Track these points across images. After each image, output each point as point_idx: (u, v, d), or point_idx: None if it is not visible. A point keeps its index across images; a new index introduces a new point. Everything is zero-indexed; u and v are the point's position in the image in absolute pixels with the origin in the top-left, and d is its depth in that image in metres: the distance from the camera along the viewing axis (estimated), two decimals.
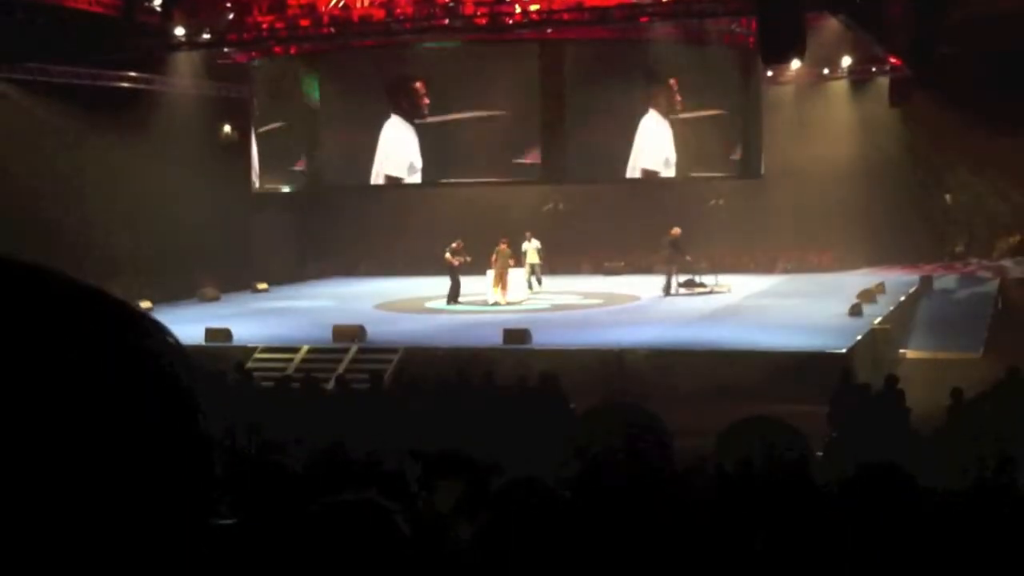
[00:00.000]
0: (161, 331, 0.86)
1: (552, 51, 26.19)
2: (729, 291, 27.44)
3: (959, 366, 20.40)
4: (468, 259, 25.74)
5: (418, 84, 26.20)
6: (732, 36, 27.01)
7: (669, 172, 27.16)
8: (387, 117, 26.71)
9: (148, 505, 0.79)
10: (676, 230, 27.17)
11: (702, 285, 27.57)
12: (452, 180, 27.63)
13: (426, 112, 26.36)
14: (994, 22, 27.59)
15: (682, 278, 27.42)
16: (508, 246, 26.32)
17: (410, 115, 26.52)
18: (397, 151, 26.75)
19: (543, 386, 15.13)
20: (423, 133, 26.64)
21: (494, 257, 26.06)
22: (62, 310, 0.81)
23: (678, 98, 26.27)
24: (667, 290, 27.20)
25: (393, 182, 27.20)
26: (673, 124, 26.68)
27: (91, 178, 26.22)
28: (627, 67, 26.30)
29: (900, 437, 12.39)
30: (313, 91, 27.29)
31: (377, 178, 27.22)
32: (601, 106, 26.00)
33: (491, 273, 26.22)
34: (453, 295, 26.00)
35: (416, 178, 27.00)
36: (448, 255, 25.84)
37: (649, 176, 27.17)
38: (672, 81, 26.22)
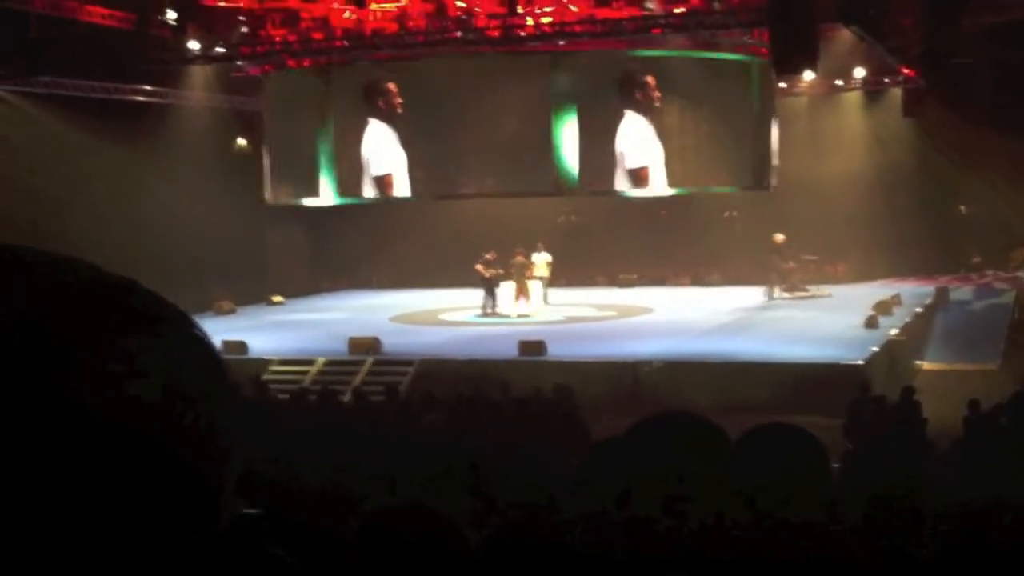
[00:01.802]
0: (190, 324, 0.86)
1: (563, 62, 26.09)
2: (830, 296, 28.33)
3: (976, 377, 20.34)
4: (500, 271, 25.80)
5: (390, 85, 26.07)
6: (743, 47, 26.92)
7: (659, 167, 26.28)
8: (367, 123, 26.47)
9: (164, 494, 0.79)
10: (779, 237, 27.52)
11: (804, 290, 28.20)
12: (465, 192, 27.55)
13: (399, 112, 26.11)
14: (1008, 31, 27.51)
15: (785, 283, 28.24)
16: (523, 256, 26.34)
17: (387, 116, 26.28)
18: (377, 152, 26.40)
19: (557, 398, 15.12)
20: (432, 144, 26.46)
21: (510, 269, 26.13)
22: (93, 300, 0.80)
23: (656, 94, 25.85)
24: (772, 294, 27.99)
25: (379, 182, 26.70)
26: (661, 125, 26.13)
27: (105, 191, 26.28)
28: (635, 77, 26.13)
29: (917, 449, 12.34)
30: (327, 103, 27.29)
31: (367, 185, 26.83)
32: (613, 116, 25.90)
33: (508, 285, 26.24)
34: (490, 306, 26.08)
35: (402, 174, 26.49)
36: (480, 267, 25.90)
37: (640, 174, 26.31)
38: (649, 78, 25.82)
